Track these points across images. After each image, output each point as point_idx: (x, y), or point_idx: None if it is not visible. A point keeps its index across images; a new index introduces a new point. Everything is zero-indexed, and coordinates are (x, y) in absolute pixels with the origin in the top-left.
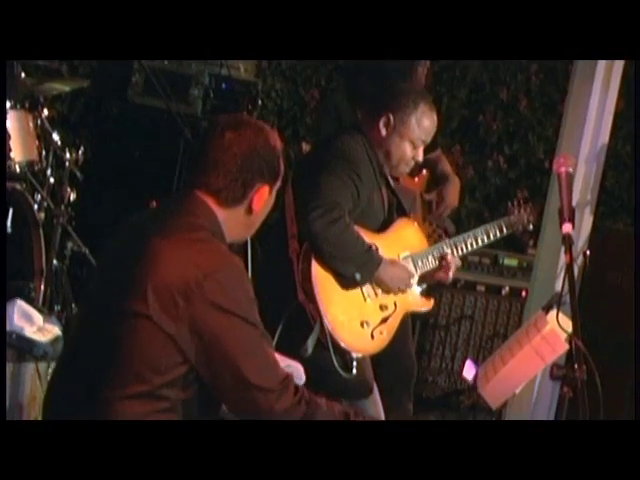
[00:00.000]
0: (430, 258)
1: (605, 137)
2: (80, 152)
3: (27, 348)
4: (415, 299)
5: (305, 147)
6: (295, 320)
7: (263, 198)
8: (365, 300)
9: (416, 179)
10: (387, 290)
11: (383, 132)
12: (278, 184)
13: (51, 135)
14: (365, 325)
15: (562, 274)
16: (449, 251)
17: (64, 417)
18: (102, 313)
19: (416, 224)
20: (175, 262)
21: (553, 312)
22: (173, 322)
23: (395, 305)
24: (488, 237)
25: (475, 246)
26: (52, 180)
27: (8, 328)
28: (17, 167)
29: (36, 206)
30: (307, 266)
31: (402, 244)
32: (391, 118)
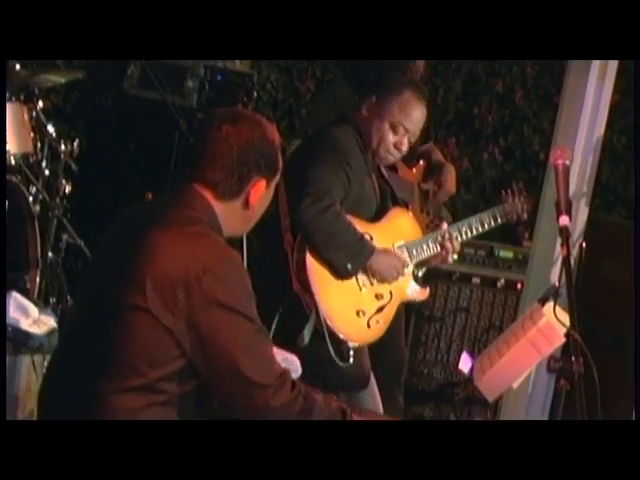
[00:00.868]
0: (425, 247)
1: (601, 129)
2: (75, 144)
3: (23, 340)
4: (411, 289)
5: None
6: (291, 310)
7: (260, 192)
8: (360, 289)
9: (414, 170)
10: (381, 279)
11: (364, 113)
12: (276, 178)
13: (46, 127)
14: (361, 314)
15: (558, 266)
16: (443, 240)
17: (59, 410)
18: (99, 306)
19: (410, 214)
20: (174, 255)
21: (549, 304)
22: (171, 315)
23: (391, 294)
24: (482, 226)
25: (470, 235)
26: (47, 172)
27: None
28: (12, 159)
29: (31, 198)
30: (302, 256)
31: (397, 233)
32: (373, 99)
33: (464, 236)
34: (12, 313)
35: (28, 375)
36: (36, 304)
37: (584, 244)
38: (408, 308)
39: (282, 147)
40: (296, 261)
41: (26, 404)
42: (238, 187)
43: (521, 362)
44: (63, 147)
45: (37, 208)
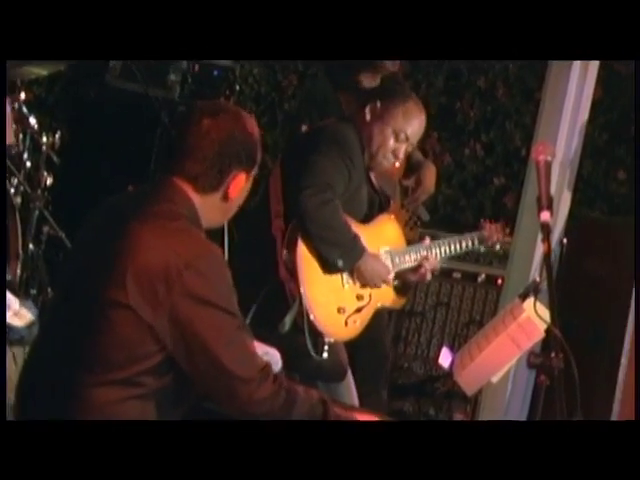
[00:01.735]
0: (407, 257)
1: (582, 125)
2: (57, 136)
3: None
4: (389, 295)
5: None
6: (273, 297)
7: (240, 185)
8: (343, 287)
9: (397, 164)
10: (364, 282)
11: (368, 117)
12: (255, 171)
13: (28, 119)
14: (341, 311)
15: (538, 262)
16: (426, 253)
17: (38, 402)
18: (78, 299)
19: (396, 221)
20: (155, 250)
21: (529, 300)
22: (152, 310)
23: (370, 297)
24: (461, 247)
25: (447, 253)
26: (29, 164)
27: None
28: None
29: (12, 190)
30: (293, 243)
31: (383, 238)
32: (378, 104)
33: (443, 254)
34: None
35: (8, 367)
36: (17, 296)
37: (565, 240)
38: None
39: (262, 140)
40: (287, 247)
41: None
42: (218, 180)
43: (501, 357)
44: (45, 139)
45: (18, 200)
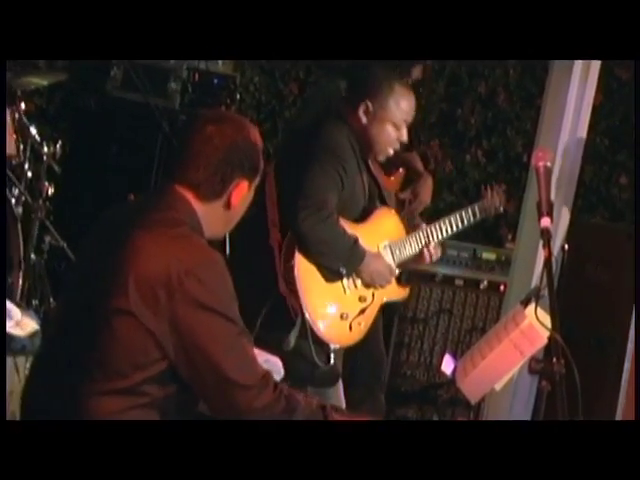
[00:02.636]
0: (407, 246)
1: (583, 131)
2: (58, 146)
3: None
4: (391, 288)
5: None
6: (276, 311)
7: (242, 193)
8: (345, 292)
9: (392, 178)
10: (368, 284)
11: (364, 120)
12: (257, 180)
13: (29, 129)
14: (344, 317)
15: (540, 268)
16: (425, 239)
17: (42, 412)
18: (82, 308)
19: (395, 213)
20: (157, 257)
21: (531, 306)
22: (154, 316)
23: (373, 296)
24: (462, 223)
25: (450, 232)
26: (30, 174)
27: None
28: None
29: (14, 200)
30: (290, 257)
31: (382, 233)
32: (369, 105)
33: (444, 234)
34: None
35: (10, 377)
36: (19, 306)
37: (566, 246)
38: (391, 310)
39: (264, 149)
40: (284, 261)
41: (8, 406)
42: (220, 188)
43: (503, 363)
44: (46, 149)
45: (20, 210)
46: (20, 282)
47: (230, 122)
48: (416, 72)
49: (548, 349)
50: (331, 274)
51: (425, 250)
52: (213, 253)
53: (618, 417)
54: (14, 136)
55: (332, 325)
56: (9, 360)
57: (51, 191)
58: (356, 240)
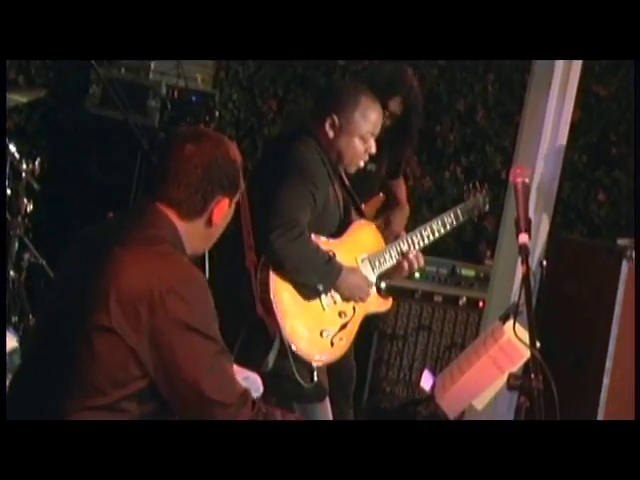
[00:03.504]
0: (387, 257)
1: (561, 147)
2: (37, 163)
3: None
4: (373, 300)
5: None
6: (254, 333)
7: (223, 210)
8: (324, 309)
9: (369, 203)
10: (346, 299)
11: (331, 134)
12: (237, 196)
13: (7, 146)
14: (325, 334)
15: (519, 284)
16: (406, 247)
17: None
18: (62, 325)
19: (373, 225)
20: (138, 274)
21: (510, 322)
22: (134, 333)
23: (354, 309)
24: (444, 227)
25: (432, 238)
26: (9, 191)
27: None
28: None
29: None
30: (265, 279)
31: (359, 246)
32: (335, 119)
33: (426, 240)
34: None
35: None
36: None
37: (545, 262)
38: (371, 326)
39: (243, 166)
40: (260, 284)
41: None
42: (201, 206)
43: (482, 379)
44: (25, 166)
45: None
46: None
47: (209, 140)
48: (393, 105)
49: (526, 365)
50: (309, 292)
51: (403, 261)
52: (195, 271)
53: None
54: None
55: (313, 343)
56: None
57: (30, 208)
58: (331, 256)
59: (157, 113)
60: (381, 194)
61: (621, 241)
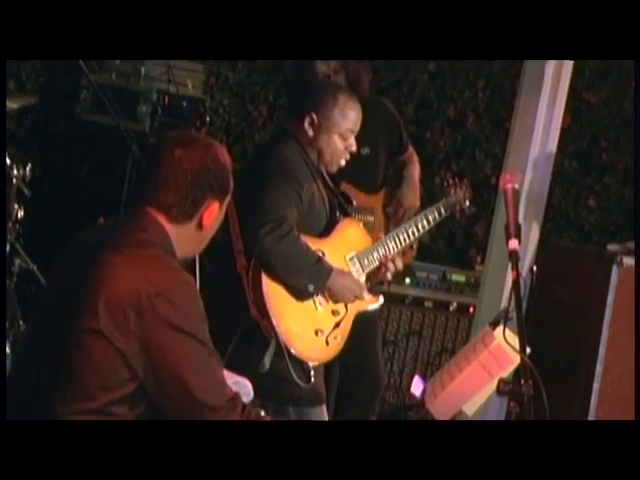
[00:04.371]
0: (375, 254)
1: (552, 153)
2: (27, 169)
3: None
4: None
5: None
6: (249, 336)
7: (213, 214)
8: (317, 308)
9: (374, 196)
10: (336, 300)
11: (310, 133)
12: (227, 199)
13: (6, 147)
14: (319, 333)
15: (509, 290)
16: (392, 244)
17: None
18: (51, 329)
19: (360, 224)
20: (127, 278)
21: (500, 328)
22: (123, 337)
23: (346, 307)
24: (428, 222)
25: (417, 234)
26: None
27: None
28: None
29: None
30: (257, 281)
31: (347, 245)
32: (314, 117)
33: (412, 236)
34: None
35: None
36: None
37: (535, 267)
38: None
39: (233, 169)
40: (252, 286)
41: None
42: (192, 210)
43: (473, 385)
44: (15, 172)
45: None
46: None
47: (198, 144)
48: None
49: (516, 370)
50: (300, 293)
51: (381, 269)
52: (184, 275)
53: None
54: None
55: (308, 343)
56: None
57: (21, 214)
58: (320, 257)
59: (148, 119)
60: (383, 189)
61: (611, 247)
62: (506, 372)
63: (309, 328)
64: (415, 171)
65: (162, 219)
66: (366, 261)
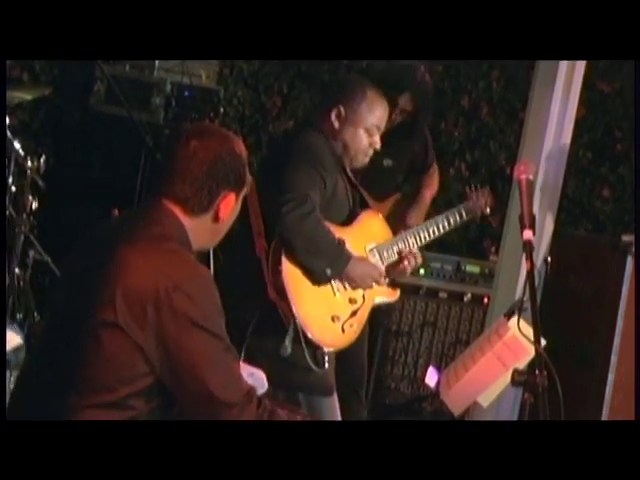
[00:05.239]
0: (395, 249)
1: (566, 144)
2: (42, 160)
3: None
4: (382, 290)
5: None
6: (266, 319)
7: (230, 206)
8: (335, 294)
9: (384, 203)
10: (355, 286)
11: (336, 124)
12: (244, 191)
13: (12, 143)
14: (336, 319)
15: (524, 280)
16: (412, 240)
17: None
18: (69, 322)
19: (381, 215)
20: (145, 271)
21: (514, 318)
22: (141, 330)
23: (364, 298)
24: (449, 224)
25: (437, 233)
26: (14, 189)
27: None
28: None
29: None
30: (277, 263)
31: (368, 236)
32: (342, 109)
33: (432, 235)
34: None
35: None
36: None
37: (549, 258)
38: (376, 323)
39: (249, 161)
40: (272, 267)
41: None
42: (208, 202)
43: (487, 376)
44: (30, 163)
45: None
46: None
47: (213, 135)
48: (403, 101)
49: (531, 361)
50: (318, 277)
51: (401, 262)
52: (201, 268)
53: None
54: None
55: (324, 328)
56: None
57: (35, 205)
58: (341, 241)
59: (161, 110)
60: (398, 193)
61: (626, 237)
62: (521, 363)
63: (326, 314)
64: (430, 193)
65: (178, 211)
66: (386, 254)
